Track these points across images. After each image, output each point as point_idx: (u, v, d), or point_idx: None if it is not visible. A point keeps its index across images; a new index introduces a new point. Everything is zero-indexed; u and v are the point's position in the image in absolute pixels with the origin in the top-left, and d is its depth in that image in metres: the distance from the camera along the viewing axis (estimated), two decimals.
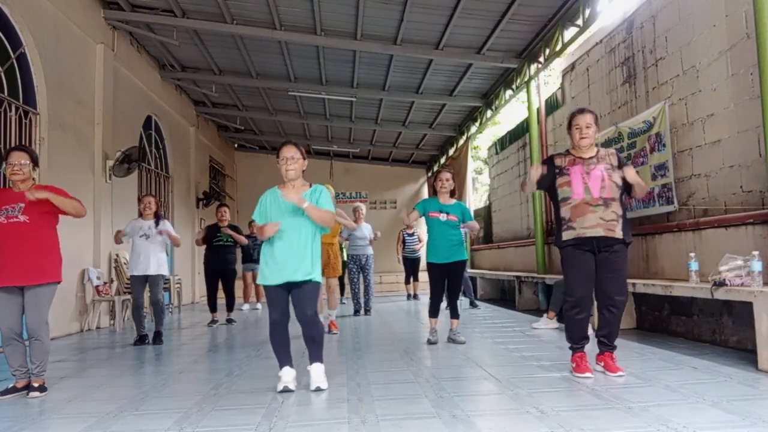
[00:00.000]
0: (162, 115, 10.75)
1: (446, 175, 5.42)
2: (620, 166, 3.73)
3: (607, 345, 3.73)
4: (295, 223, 3.57)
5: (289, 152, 3.66)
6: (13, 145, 6.13)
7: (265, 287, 3.63)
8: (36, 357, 3.73)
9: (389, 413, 2.94)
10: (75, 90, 7.31)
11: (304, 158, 3.73)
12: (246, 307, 10.01)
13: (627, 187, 3.76)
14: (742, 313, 4.67)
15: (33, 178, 3.88)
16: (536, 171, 3.73)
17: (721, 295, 4.23)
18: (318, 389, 3.53)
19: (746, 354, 4.40)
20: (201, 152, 13.23)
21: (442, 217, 5.27)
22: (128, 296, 7.91)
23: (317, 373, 3.61)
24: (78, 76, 7.40)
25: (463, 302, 9.38)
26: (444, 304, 6.31)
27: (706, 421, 2.61)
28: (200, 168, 13.16)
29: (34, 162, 3.87)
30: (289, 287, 3.59)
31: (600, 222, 3.60)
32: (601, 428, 2.56)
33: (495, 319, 7.35)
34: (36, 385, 3.69)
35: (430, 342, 5.35)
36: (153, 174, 10.49)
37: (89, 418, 3.05)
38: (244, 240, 7.89)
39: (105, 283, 7.69)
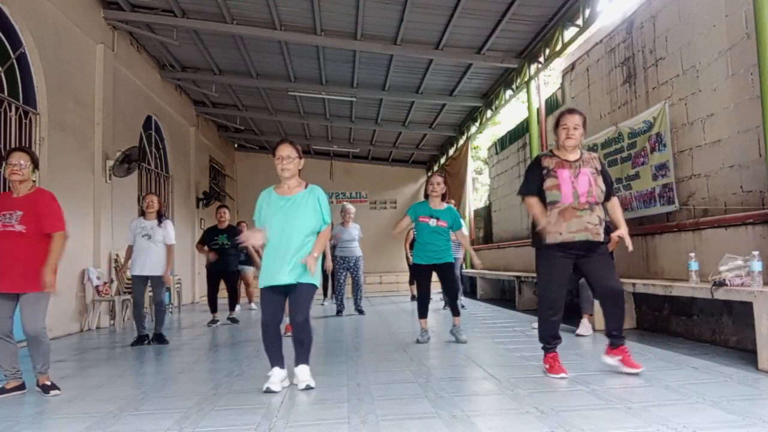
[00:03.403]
0: (162, 115, 10.75)
1: (437, 179, 5.45)
2: (603, 171, 3.81)
3: (619, 338, 3.72)
4: (288, 225, 3.56)
5: (285, 151, 3.63)
6: (13, 145, 6.14)
7: (261, 289, 3.63)
8: (39, 356, 3.73)
9: (389, 413, 2.94)
10: (75, 90, 7.31)
11: (300, 157, 3.69)
12: (237, 308, 9.96)
13: (606, 193, 3.80)
14: (742, 313, 4.67)
15: (33, 180, 3.85)
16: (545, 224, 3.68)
17: (721, 295, 4.23)
18: (308, 387, 3.53)
19: (746, 354, 4.40)
20: (201, 152, 13.23)
21: (432, 222, 5.32)
22: (128, 296, 7.92)
23: (304, 373, 3.60)
24: (78, 76, 7.40)
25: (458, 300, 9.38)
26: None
27: (706, 421, 2.61)
28: (200, 168, 13.16)
29: (35, 164, 3.83)
30: (286, 290, 3.59)
31: (587, 226, 3.63)
32: (601, 428, 2.56)
33: (495, 319, 7.35)
34: (48, 383, 3.70)
35: (419, 342, 5.37)
36: (153, 174, 10.50)
37: (89, 418, 3.05)
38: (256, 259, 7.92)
39: (105, 283, 7.69)
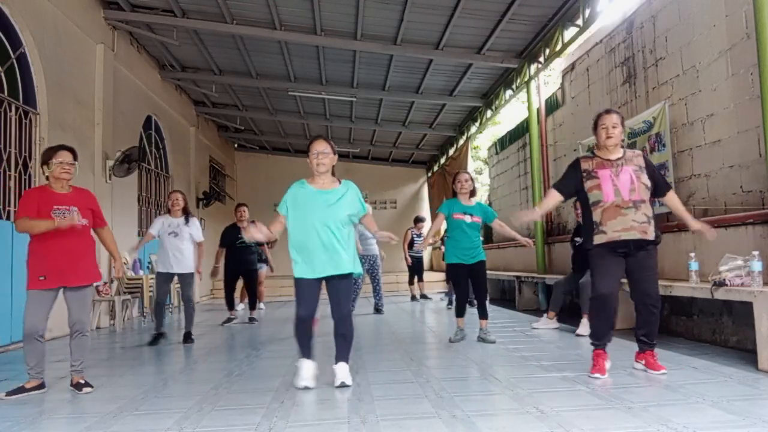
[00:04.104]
0: (162, 115, 10.75)
1: (465, 176, 5.43)
2: (648, 166, 3.74)
3: (647, 343, 3.73)
4: (333, 219, 3.61)
5: (321, 146, 3.72)
6: (13, 145, 6.14)
7: (299, 280, 3.63)
8: (79, 353, 3.84)
9: (389, 413, 2.94)
10: (75, 90, 7.31)
11: (334, 153, 3.78)
12: (241, 307, 9.97)
13: (656, 188, 3.76)
14: (742, 313, 4.67)
15: None
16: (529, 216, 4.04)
17: (721, 295, 4.23)
18: (343, 385, 3.55)
19: (746, 354, 4.40)
20: (201, 152, 13.23)
21: (467, 219, 5.27)
22: (128, 296, 7.93)
23: (343, 370, 3.63)
24: (78, 76, 7.40)
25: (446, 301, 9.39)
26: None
27: (706, 421, 2.61)
28: (200, 168, 13.16)
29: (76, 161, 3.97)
30: (325, 281, 3.65)
31: (633, 224, 3.59)
32: (601, 428, 2.56)
33: (495, 319, 7.35)
34: (83, 381, 3.79)
35: (452, 341, 5.33)
36: (153, 174, 10.50)
37: (89, 418, 3.05)
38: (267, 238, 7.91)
39: (105, 283, 7.69)
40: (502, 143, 12.14)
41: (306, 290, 3.62)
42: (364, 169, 17.44)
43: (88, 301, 3.93)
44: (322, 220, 3.59)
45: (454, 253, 5.35)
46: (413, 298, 10.84)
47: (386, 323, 7.27)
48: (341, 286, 3.65)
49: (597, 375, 3.61)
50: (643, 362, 3.72)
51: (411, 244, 10.49)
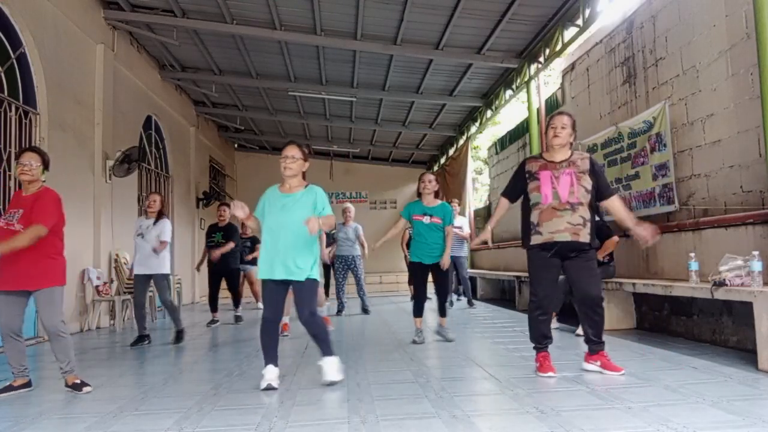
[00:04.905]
0: (162, 115, 10.75)
1: (429, 177, 5.49)
2: (593, 170, 3.71)
3: (597, 343, 3.74)
4: (286, 222, 3.65)
5: (290, 152, 3.77)
6: (13, 145, 6.14)
7: (263, 281, 3.70)
8: (61, 354, 3.78)
9: (389, 413, 2.94)
10: (75, 90, 7.31)
11: (305, 159, 3.81)
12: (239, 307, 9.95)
13: (598, 192, 3.75)
14: (742, 313, 4.67)
15: (42, 181, 3.89)
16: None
17: (721, 295, 4.23)
18: (331, 383, 3.56)
19: (746, 354, 4.40)
20: (201, 152, 13.23)
21: (425, 219, 5.35)
22: (128, 296, 7.93)
23: (329, 365, 3.65)
24: (78, 76, 7.40)
25: (461, 301, 9.41)
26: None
27: (706, 421, 2.61)
28: (200, 168, 13.16)
29: (45, 164, 3.89)
30: (288, 285, 3.68)
31: (567, 226, 3.62)
32: (601, 428, 2.56)
33: (495, 319, 7.35)
34: (78, 381, 3.77)
35: (415, 342, 5.38)
36: (153, 174, 10.50)
37: (89, 418, 3.05)
38: (227, 247, 7.56)
39: (105, 283, 7.69)
40: (502, 143, 12.15)
41: (268, 292, 3.67)
42: (364, 169, 17.43)
43: (51, 304, 3.74)
44: (278, 223, 3.66)
45: (414, 252, 5.49)
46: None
47: (386, 323, 7.27)
48: (300, 290, 3.66)
49: (550, 374, 3.64)
50: (599, 363, 3.72)
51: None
